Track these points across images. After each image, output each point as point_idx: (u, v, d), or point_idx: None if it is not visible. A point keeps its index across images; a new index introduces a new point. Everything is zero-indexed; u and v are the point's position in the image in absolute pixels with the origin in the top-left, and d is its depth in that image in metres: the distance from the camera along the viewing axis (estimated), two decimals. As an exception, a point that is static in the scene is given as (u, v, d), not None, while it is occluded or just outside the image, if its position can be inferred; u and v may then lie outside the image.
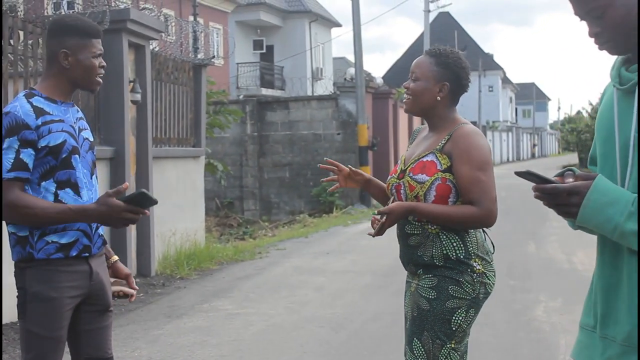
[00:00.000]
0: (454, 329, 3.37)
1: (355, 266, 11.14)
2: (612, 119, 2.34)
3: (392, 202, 3.56)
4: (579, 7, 2.34)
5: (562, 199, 2.24)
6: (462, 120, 3.55)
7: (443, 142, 3.46)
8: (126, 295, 3.78)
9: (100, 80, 3.50)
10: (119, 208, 3.22)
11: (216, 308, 8.36)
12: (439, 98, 3.52)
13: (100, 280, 3.52)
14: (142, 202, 3.24)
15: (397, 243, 3.60)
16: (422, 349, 3.38)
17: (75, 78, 3.42)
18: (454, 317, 3.37)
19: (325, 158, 3.74)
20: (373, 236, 3.50)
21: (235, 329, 7.37)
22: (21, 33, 7.91)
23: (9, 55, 7.64)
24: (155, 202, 3.26)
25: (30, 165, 3.30)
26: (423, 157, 3.48)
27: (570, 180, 2.28)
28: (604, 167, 2.37)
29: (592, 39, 2.35)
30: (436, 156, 3.44)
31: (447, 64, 3.53)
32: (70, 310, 3.41)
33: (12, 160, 3.27)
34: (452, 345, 3.38)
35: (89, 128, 3.60)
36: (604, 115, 2.41)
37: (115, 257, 3.76)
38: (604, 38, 2.32)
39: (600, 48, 2.35)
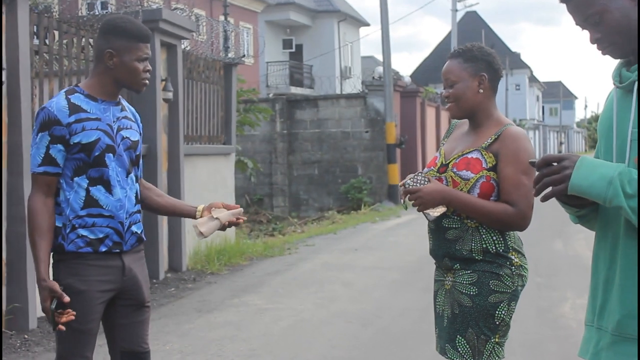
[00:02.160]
0: (497, 323, 3.33)
1: (383, 262, 11.13)
2: (612, 116, 2.38)
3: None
4: (577, 16, 2.39)
5: (555, 167, 2.27)
6: (508, 121, 3.50)
7: (490, 140, 3.39)
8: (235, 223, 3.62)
9: (146, 82, 3.50)
10: (44, 306, 3.22)
11: (246, 303, 8.38)
12: (481, 91, 3.45)
13: (134, 276, 3.54)
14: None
15: (424, 240, 3.56)
16: (467, 346, 3.33)
17: (119, 78, 3.44)
18: (497, 312, 3.32)
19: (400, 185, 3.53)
20: (401, 188, 3.43)
21: (265, 324, 7.38)
22: (56, 33, 7.96)
23: (44, 54, 7.69)
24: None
25: (60, 161, 3.34)
26: (467, 153, 3.40)
27: None
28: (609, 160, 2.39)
29: (595, 45, 2.39)
30: (482, 154, 3.37)
31: (475, 57, 3.47)
32: (102, 304, 3.43)
33: (42, 155, 3.33)
34: (497, 340, 3.34)
35: (134, 127, 3.58)
36: (605, 115, 2.45)
37: (201, 207, 3.65)
38: (605, 43, 2.37)
39: (603, 53, 2.39)
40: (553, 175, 2.28)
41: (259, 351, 6.44)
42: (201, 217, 3.61)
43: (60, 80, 7.86)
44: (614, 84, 2.40)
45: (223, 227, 3.58)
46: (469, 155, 3.39)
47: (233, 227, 12.02)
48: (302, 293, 8.92)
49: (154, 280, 9.43)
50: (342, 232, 15.52)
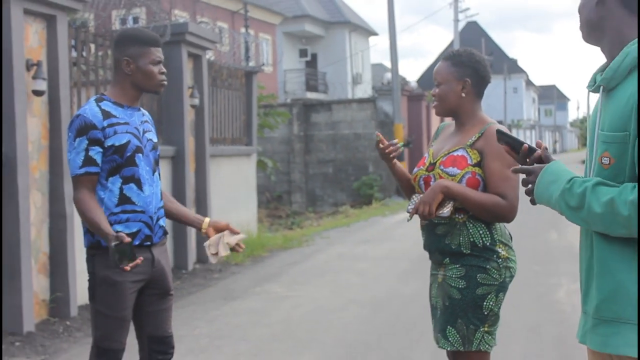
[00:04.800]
0: (485, 313, 3.27)
1: (393, 253, 11.11)
2: (591, 119, 2.42)
3: (417, 192, 3.46)
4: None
5: (526, 178, 2.40)
6: (491, 120, 3.43)
7: (474, 138, 3.34)
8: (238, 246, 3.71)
9: (163, 83, 3.52)
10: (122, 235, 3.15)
11: (267, 291, 8.39)
12: (463, 95, 3.39)
13: (162, 267, 3.56)
14: (126, 251, 3.13)
15: None
16: (457, 335, 3.28)
17: (137, 83, 3.46)
18: (485, 303, 3.26)
19: (377, 132, 3.55)
20: (409, 218, 3.38)
21: (285, 310, 7.38)
22: (92, 46, 7.99)
23: (81, 65, 7.72)
24: (133, 257, 3.16)
25: (99, 161, 3.36)
26: (453, 151, 3.35)
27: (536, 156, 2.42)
28: (587, 160, 2.44)
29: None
30: (466, 151, 3.32)
31: (462, 62, 3.41)
32: (134, 293, 3.46)
33: (82, 158, 3.34)
34: (486, 329, 3.28)
35: (153, 130, 3.64)
36: (589, 119, 2.48)
37: (207, 220, 3.72)
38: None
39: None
40: (525, 187, 2.41)
41: (280, 335, 6.45)
42: (206, 233, 3.70)
43: (96, 89, 7.88)
44: (587, 89, 2.42)
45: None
46: (455, 153, 3.35)
47: (254, 224, 11.98)
48: (319, 282, 8.92)
49: (183, 271, 9.46)
50: (355, 225, 15.50)
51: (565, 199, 2.25)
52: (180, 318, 6.97)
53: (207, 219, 3.74)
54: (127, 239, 3.14)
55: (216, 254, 3.65)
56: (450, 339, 3.30)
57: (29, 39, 6.68)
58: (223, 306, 7.64)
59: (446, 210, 3.26)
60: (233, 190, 11.80)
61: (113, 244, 3.12)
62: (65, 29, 7.04)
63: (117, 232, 3.21)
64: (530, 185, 2.38)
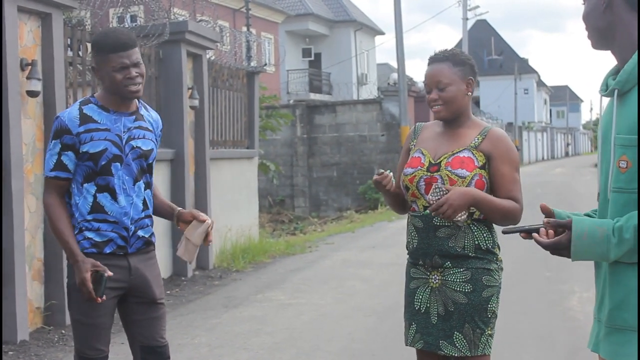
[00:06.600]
0: (489, 316, 3.34)
1: (399, 259, 11.08)
2: (602, 123, 2.44)
3: (411, 194, 3.45)
4: None
5: (554, 253, 2.42)
6: (485, 122, 3.51)
7: (478, 140, 3.37)
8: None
9: (133, 89, 3.39)
10: (85, 276, 3.30)
11: (269, 299, 8.39)
12: (468, 94, 3.43)
13: (142, 275, 3.53)
14: (99, 282, 3.32)
15: None
16: (464, 340, 3.32)
17: (107, 88, 3.44)
18: (489, 305, 3.34)
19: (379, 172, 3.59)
20: (429, 212, 3.32)
21: (288, 318, 7.38)
22: (89, 45, 7.99)
23: (77, 65, 7.73)
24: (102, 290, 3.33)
25: (70, 167, 3.39)
26: (458, 152, 3.36)
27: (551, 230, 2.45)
28: (601, 165, 2.45)
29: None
30: (472, 153, 3.35)
31: (462, 61, 3.42)
32: (111, 300, 3.46)
33: (54, 161, 3.39)
34: (489, 332, 3.35)
35: (148, 137, 3.54)
36: (599, 124, 2.49)
37: (176, 212, 3.67)
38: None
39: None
40: (555, 251, 2.41)
41: (282, 344, 6.45)
42: (178, 224, 3.66)
43: (92, 90, 7.89)
44: (599, 93, 2.43)
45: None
46: (461, 155, 3.36)
47: (256, 229, 11.96)
48: (323, 289, 8.91)
49: (183, 278, 9.46)
50: (360, 231, 15.50)
51: (621, 249, 2.26)
52: (179, 326, 6.97)
53: (177, 210, 3.67)
54: (103, 268, 3.32)
55: (189, 262, 3.69)
56: (457, 344, 3.34)
57: (23, 37, 6.69)
58: (223, 314, 7.64)
59: (463, 217, 3.30)
60: (234, 195, 11.80)
61: (88, 273, 3.29)
62: (60, 27, 7.05)
63: (88, 251, 3.38)
64: (561, 254, 2.42)
